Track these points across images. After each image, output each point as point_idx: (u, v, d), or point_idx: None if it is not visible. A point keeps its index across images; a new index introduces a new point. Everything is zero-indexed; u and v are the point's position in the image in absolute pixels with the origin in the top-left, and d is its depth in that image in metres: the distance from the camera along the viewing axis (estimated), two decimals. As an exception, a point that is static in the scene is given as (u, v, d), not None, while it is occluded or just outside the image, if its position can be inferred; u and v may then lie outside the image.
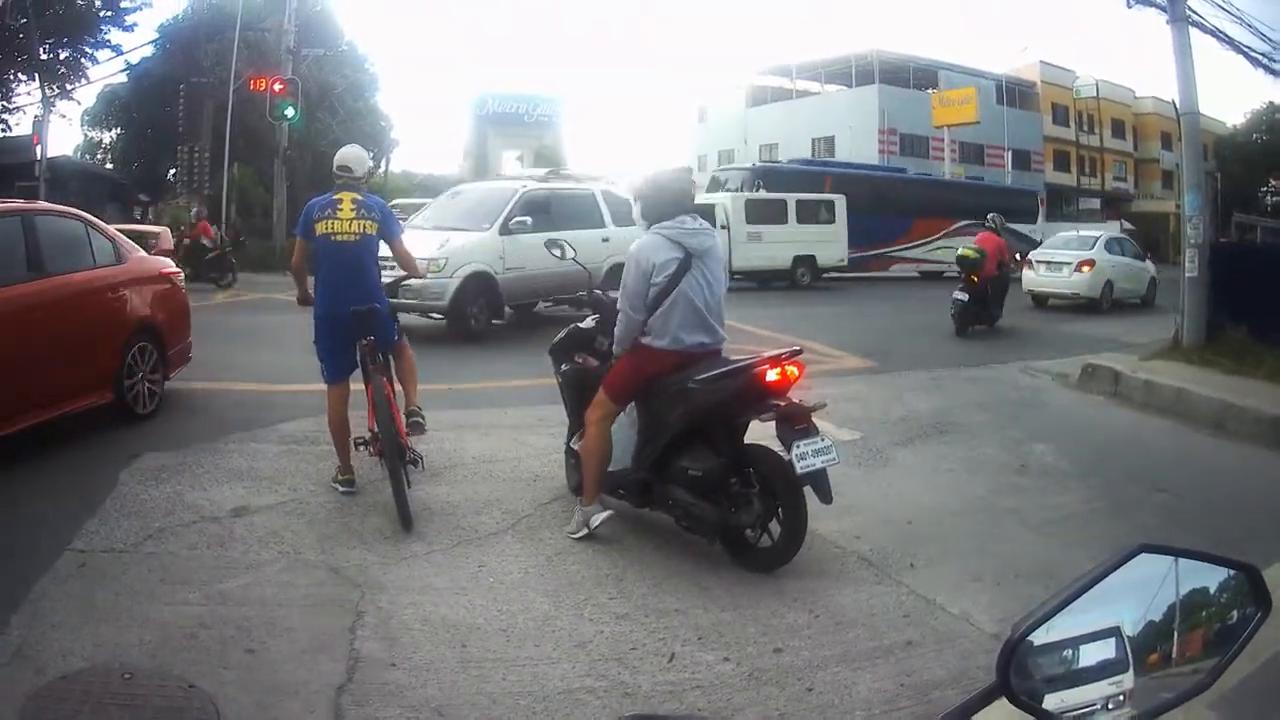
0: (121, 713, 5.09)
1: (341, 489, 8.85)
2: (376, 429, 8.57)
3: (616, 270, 9.69)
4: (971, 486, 10.01)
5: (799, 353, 7.57)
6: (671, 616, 6.31)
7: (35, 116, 48.40)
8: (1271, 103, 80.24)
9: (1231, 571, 1.88)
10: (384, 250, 9.14)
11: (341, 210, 8.84)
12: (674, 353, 7.47)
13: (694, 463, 7.46)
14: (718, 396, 7.32)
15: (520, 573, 7.09)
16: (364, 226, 8.85)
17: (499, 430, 11.56)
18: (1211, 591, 1.87)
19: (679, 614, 6.36)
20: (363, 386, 8.94)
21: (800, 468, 6.99)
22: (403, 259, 9.67)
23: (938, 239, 45.89)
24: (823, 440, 7.19)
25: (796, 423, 7.17)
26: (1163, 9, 18.20)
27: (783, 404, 7.27)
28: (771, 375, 7.28)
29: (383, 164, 71.97)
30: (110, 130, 63.67)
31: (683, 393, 7.39)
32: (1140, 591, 1.84)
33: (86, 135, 63.16)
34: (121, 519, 8.05)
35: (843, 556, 7.64)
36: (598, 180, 23.47)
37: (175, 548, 7.50)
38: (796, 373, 7.41)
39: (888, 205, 45.38)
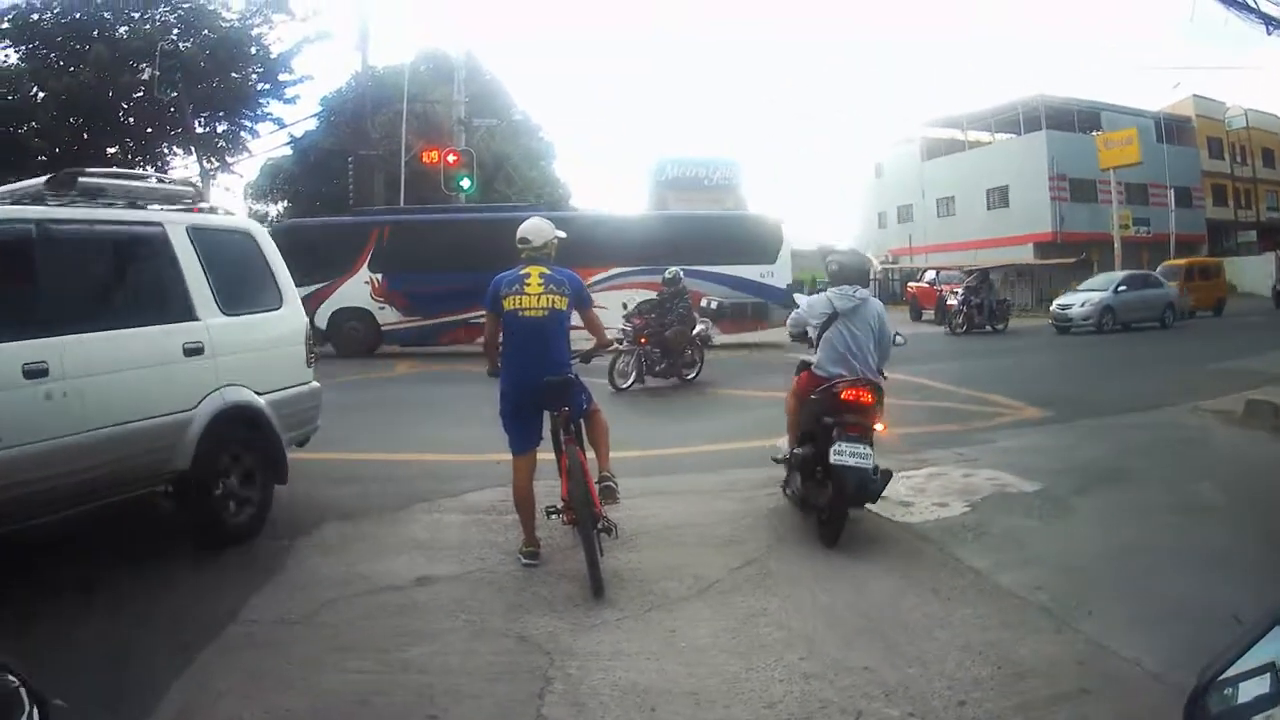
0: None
1: (525, 560, 8.87)
2: (569, 497, 8.59)
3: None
4: (1144, 531, 9.90)
5: (871, 383, 9.74)
6: (859, 674, 6.28)
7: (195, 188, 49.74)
8: None
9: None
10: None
11: (529, 285, 8.86)
12: (820, 378, 10.00)
13: (801, 450, 10.13)
14: (818, 405, 9.78)
15: (710, 636, 7.08)
16: (553, 301, 8.85)
17: (689, 496, 11.56)
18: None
19: (867, 672, 6.33)
20: (551, 455, 8.99)
21: (833, 458, 9.18)
22: (594, 329, 9.72)
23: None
24: (865, 448, 9.26)
25: (850, 430, 9.32)
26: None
27: (850, 416, 9.43)
28: (847, 394, 9.50)
29: (566, 235, 73.08)
30: (276, 203, 65.15)
31: (809, 401, 10.07)
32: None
33: (251, 208, 64.61)
34: (296, 590, 8.19)
35: (1024, 607, 7.59)
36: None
37: (352, 617, 7.59)
38: (869, 396, 9.52)
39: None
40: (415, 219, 36.23)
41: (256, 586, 8.14)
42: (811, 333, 10.38)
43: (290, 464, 10.44)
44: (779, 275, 36.27)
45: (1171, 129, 77.86)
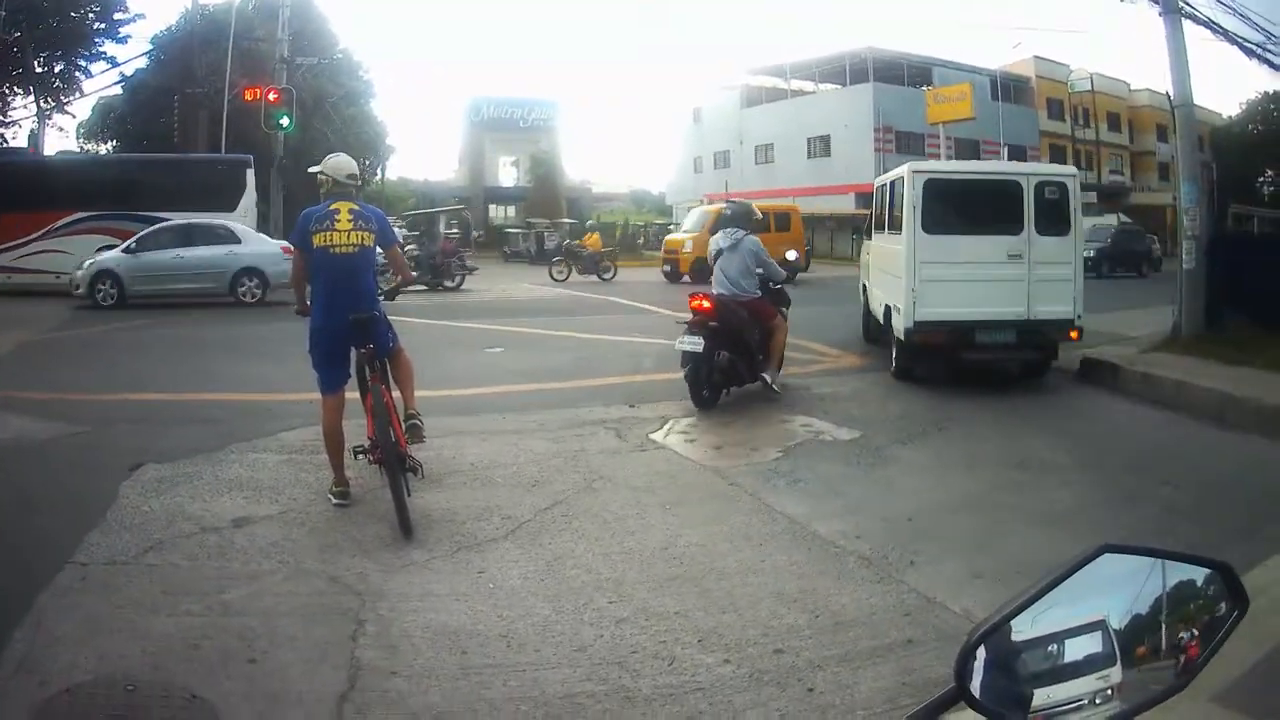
0: (125, 725, 5.02)
1: (335, 500, 8.82)
2: (375, 437, 8.53)
3: None
4: (971, 483, 10.06)
5: (718, 296, 13.71)
6: (671, 619, 6.29)
7: (31, 130, 48.55)
8: (1267, 93, 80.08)
9: (1209, 570, 1.86)
10: None
11: (339, 221, 8.77)
12: (712, 295, 13.74)
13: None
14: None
15: (520, 579, 7.08)
16: (362, 238, 8.81)
17: (497, 436, 11.61)
18: (1198, 584, 1.85)
19: (679, 617, 6.34)
20: (358, 396, 8.96)
21: (675, 344, 13.39)
22: (398, 265, 9.88)
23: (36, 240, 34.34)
24: (696, 338, 12.99)
25: (691, 325, 13.30)
26: (1155, 0, 18.22)
27: (694, 317, 13.43)
28: (690, 302, 13.68)
29: (379, 171, 72.17)
30: (106, 142, 63.91)
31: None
32: (1125, 586, 1.82)
33: (83, 147, 63.35)
34: (122, 531, 8.06)
35: (842, 556, 7.61)
36: None
37: (176, 559, 7.52)
38: (707, 305, 13.42)
39: None
40: None
41: (87, 527, 8.04)
42: (711, 264, 14.49)
43: (115, 404, 10.22)
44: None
45: (1009, 87, 79.35)
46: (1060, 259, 14.85)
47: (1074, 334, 14.93)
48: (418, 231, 44.06)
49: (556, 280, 41.89)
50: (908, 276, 14.86)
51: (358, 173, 9.17)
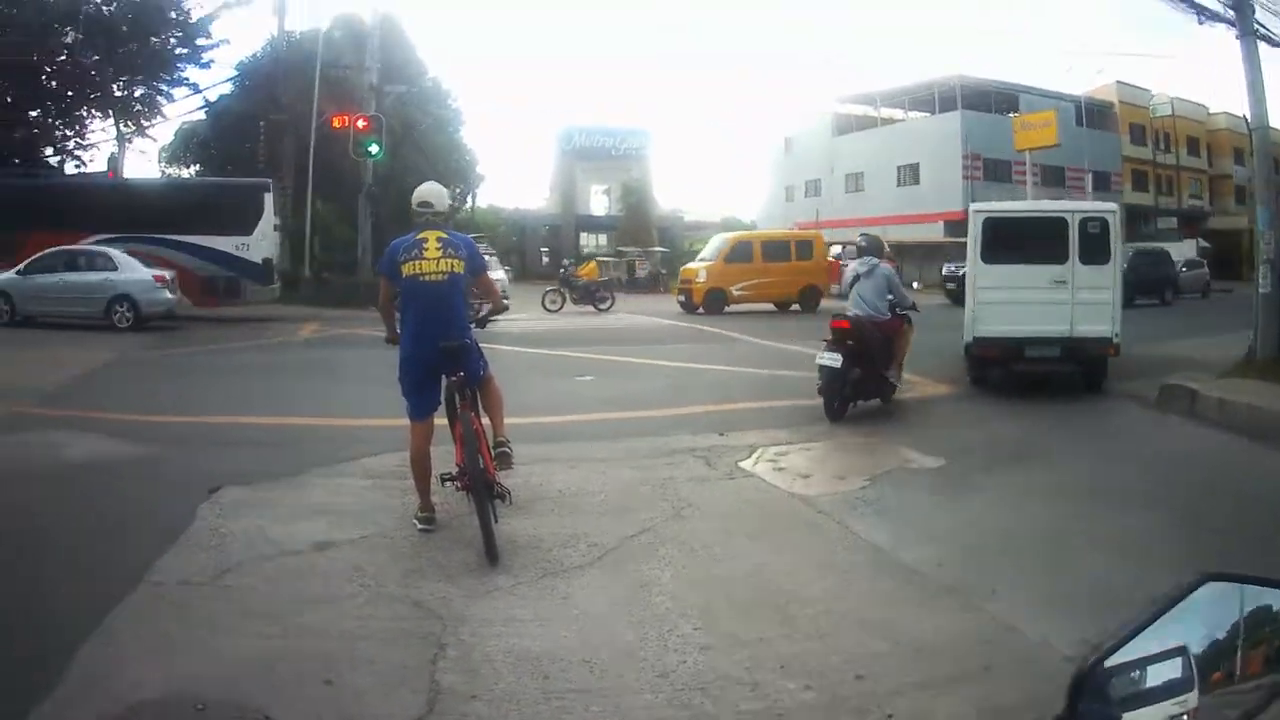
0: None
1: (420, 526, 8.84)
2: (464, 464, 8.53)
3: None
4: (1050, 510, 9.99)
5: (860, 318, 14.92)
6: (755, 646, 6.27)
7: (110, 153, 49.10)
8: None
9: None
10: None
11: (428, 250, 8.79)
12: (850, 316, 15.06)
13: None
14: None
15: (605, 605, 7.07)
16: (451, 265, 8.80)
17: (585, 463, 11.60)
18: (1275, 609, 1.84)
19: (762, 644, 6.31)
20: (446, 422, 8.98)
21: (817, 359, 14.67)
22: (489, 293, 9.81)
23: None
24: (836, 355, 14.27)
25: (829, 343, 14.65)
26: (1232, 24, 18.09)
27: (833, 335, 14.76)
28: (833, 322, 15.06)
29: (469, 199, 72.58)
30: (189, 166, 64.57)
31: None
32: (1206, 613, 1.82)
33: (165, 171, 63.98)
34: (198, 552, 8.13)
35: (925, 584, 7.60)
36: None
37: (254, 581, 7.55)
38: (845, 324, 14.73)
39: None
40: None
41: (162, 548, 8.06)
42: (846, 289, 16.28)
43: (195, 426, 10.31)
44: (255, 248, 34.74)
45: (1093, 113, 78.48)
46: (1100, 285, 17.00)
47: (1111, 350, 17.00)
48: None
49: (549, 310, 40.79)
50: (969, 299, 17.57)
51: (430, 200, 9.12)
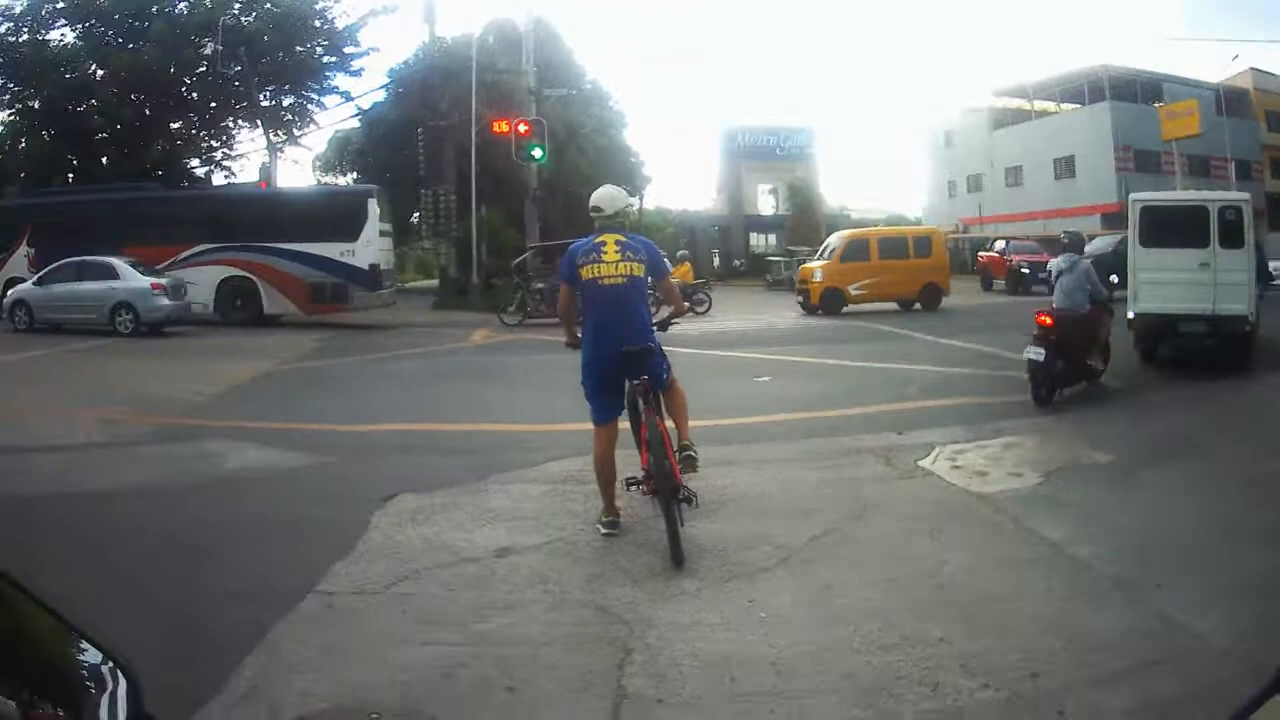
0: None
1: (605, 530, 8.86)
2: (650, 467, 8.54)
3: None
4: (1217, 504, 9.92)
5: (1062, 312, 16.05)
6: (935, 646, 6.31)
7: (262, 163, 49.98)
8: None
9: None
10: None
11: (606, 253, 8.82)
12: (1052, 311, 16.17)
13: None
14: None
15: (790, 607, 7.11)
16: (631, 268, 8.82)
17: (768, 465, 11.65)
18: None
19: (944, 643, 6.35)
20: (628, 425, 9.01)
21: (1024, 354, 15.81)
22: (671, 296, 9.75)
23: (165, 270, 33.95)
24: (1039, 349, 15.35)
25: (1035, 336, 15.63)
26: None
27: (1037, 330, 15.82)
28: (1037, 318, 15.99)
29: (637, 200, 72.78)
30: (344, 175, 65.53)
31: None
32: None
33: (320, 180, 64.98)
34: (373, 560, 8.21)
35: (1097, 579, 7.63)
36: None
37: (432, 589, 7.60)
38: (1048, 320, 15.73)
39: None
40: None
41: (334, 557, 8.16)
42: (1051, 284, 17.17)
43: (367, 434, 10.47)
44: (361, 254, 35.05)
45: (1231, 101, 76.25)
46: (1238, 268, 18.65)
47: (1247, 328, 18.52)
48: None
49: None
50: (1130, 280, 19.23)
51: (600, 205, 9.11)
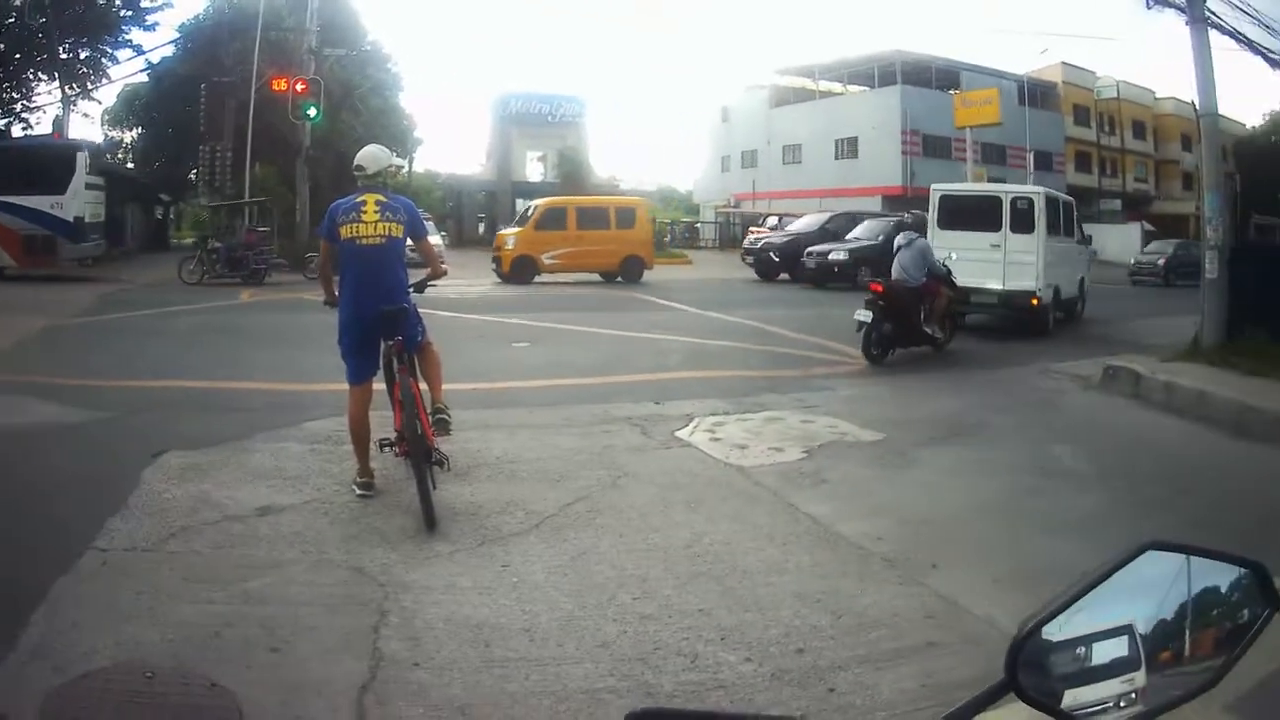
0: (143, 712, 5.11)
1: (359, 491, 8.81)
2: (403, 429, 8.53)
3: None
4: (992, 487, 10.08)
5: (894, 282, 18.05)
6: (694, 617, 6.31)
7: (56, 116, 48.72)
8: (1290, 105, 79.64)
9: (1242, 570, 1.89)
10: None
11: (366, 213, 8.77)
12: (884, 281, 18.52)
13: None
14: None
15: (543, 573, 7.10)
16: (390, 229, 8.81)
17: (523, 430, 11.65)
18: (1223, 590, 1.86)
19: (702, 614, 6.35)
20: (384, 387, 8.99)
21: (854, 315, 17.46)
22: (429, 258, 9.82)
23: None
24: (867, 311, 17.13)
25: (867, 301, 17.37)
26: (1181, 10, 18.26)
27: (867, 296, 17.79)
28: (871, 285, 18.36)
29: (407, 164, 72.11)
30: (131, 129, 64.11)
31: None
32: (1153, 589, 1.85)
33: (107, 134, 63.53)
34: (144, 517, 8.09)
35: (866, 558, 7.64)
36: None
37: (198, 546, 7.55)
38: (880, 287, 17.80)
39: None
40: None
41: (108, 512, 8.05)
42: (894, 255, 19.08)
43: (132, 391, 10.25)
44: (68, 206, 34.52)
45: (1036, 93, 78.59)
46: (1027, 250, 22.37)
47: (1034, 300, 22.23)
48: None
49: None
50: None
51: (364, 164, 9.10)
